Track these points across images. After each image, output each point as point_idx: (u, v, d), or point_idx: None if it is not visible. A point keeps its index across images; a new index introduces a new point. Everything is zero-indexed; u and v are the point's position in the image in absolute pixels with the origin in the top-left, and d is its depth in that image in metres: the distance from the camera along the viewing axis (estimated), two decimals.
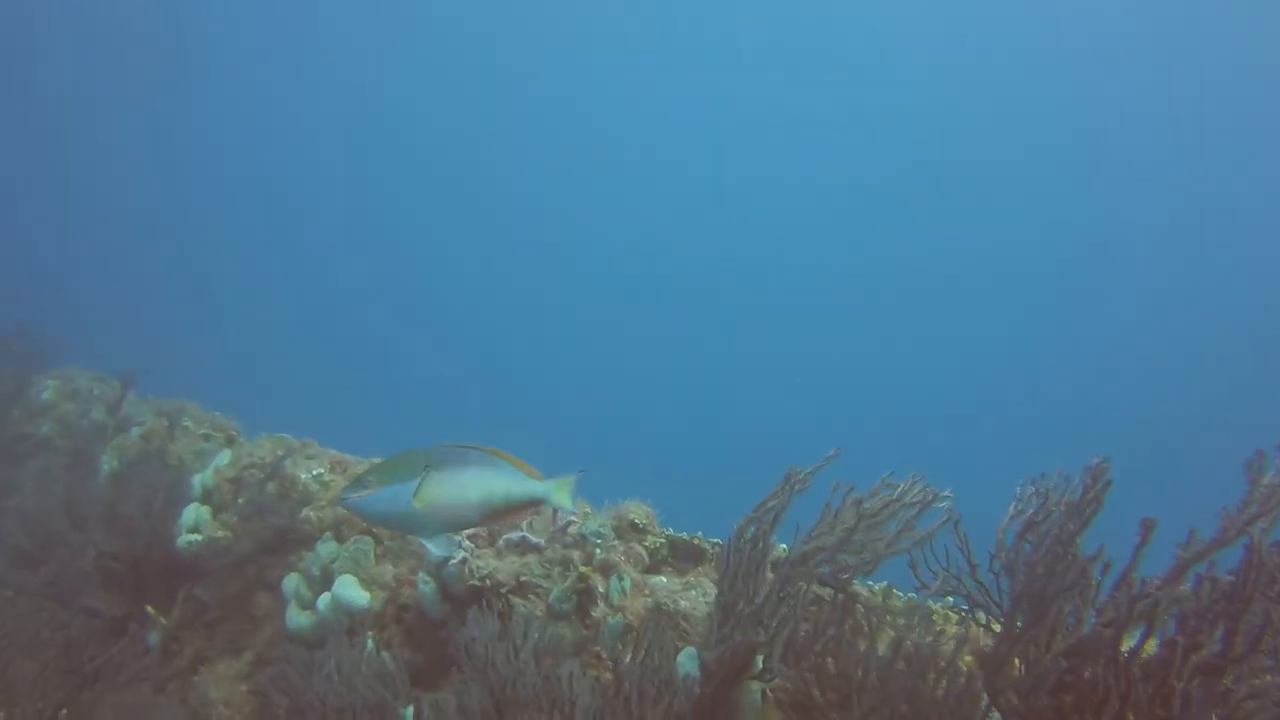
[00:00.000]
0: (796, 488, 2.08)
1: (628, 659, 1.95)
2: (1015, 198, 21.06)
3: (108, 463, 4.50)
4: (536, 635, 2.26)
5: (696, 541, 2.56)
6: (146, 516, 3.80)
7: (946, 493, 1.90)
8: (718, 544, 2.55)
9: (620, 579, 2.41)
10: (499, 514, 1.79)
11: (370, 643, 2.79)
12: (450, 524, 1.80)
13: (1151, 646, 1.38)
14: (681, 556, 2.58)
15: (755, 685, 1.94)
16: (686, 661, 2.07)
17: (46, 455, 5.53)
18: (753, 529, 2.08)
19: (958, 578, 1.75)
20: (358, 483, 1.78)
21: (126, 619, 3.67)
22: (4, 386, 5.94)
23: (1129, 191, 20.12)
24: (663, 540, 2.60)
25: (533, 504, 1.79)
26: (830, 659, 1.78)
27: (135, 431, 4.89)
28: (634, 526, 2.61)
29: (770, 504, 2.09)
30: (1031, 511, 1.63)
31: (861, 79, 22.06)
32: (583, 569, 2.44)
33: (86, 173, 23.12)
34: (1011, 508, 1.71)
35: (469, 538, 2.63)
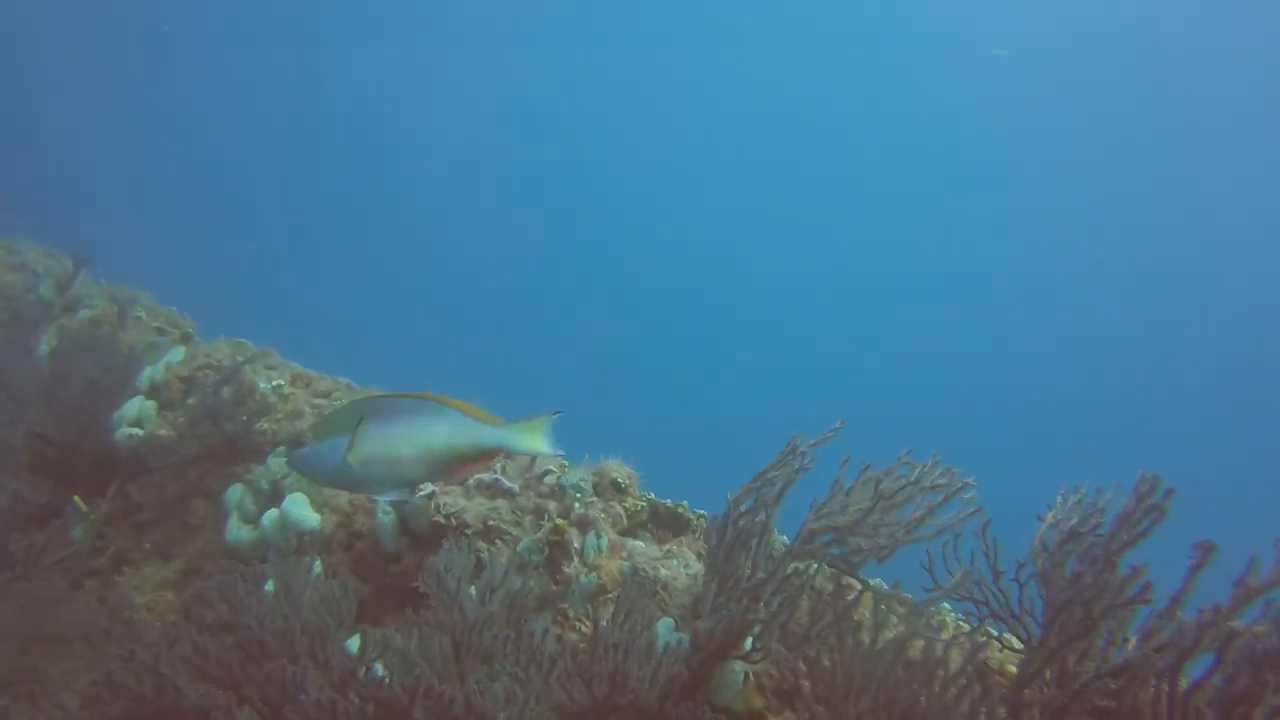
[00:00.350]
0: (800, 461, 1.96)
1: (605, 619, 1.82)
2: (1036, 195, 21.19)
3: (47, 342, 4.23)
4: (511, 582, 2.11)
5: (681, 510, 2.43)
6: (86, 401, 3.57)
7: (969, 480, 1.78)
8: (702, 515, 2.42)
9: (598, 536, 2.27)
10: (448, 466, 1.56)
11: (318, 567, 2.62)
12: (392, 481, 1.58)
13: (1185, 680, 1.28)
14: (662, 523, 2.45)
15: (739, 665, 1.82)
16: (664, 632, 1.94)
17: None
18: (750, 500, 1.96)
19: (978, 582, 1.64)
20: (299, 439, 1.57)
21: (48, 507, 3.44)
22: None
23: (1158, 190, 20.24)
24: (644, 504, 2.47)
25: (487, 453, 1.57)
26: (827, 650, 1.66)
27: (83, 314, 4.61)
28: (615, 486, 2.47)
29: (771, 474, 1.96)
30: (1075, 520, 1.52)
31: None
32: (559, 521, 2.29)
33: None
34: (1050, 515, 1.60)
35: None
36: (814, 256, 22.59)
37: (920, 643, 1.62)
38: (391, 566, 2.53)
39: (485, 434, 1.55)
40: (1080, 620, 1.31)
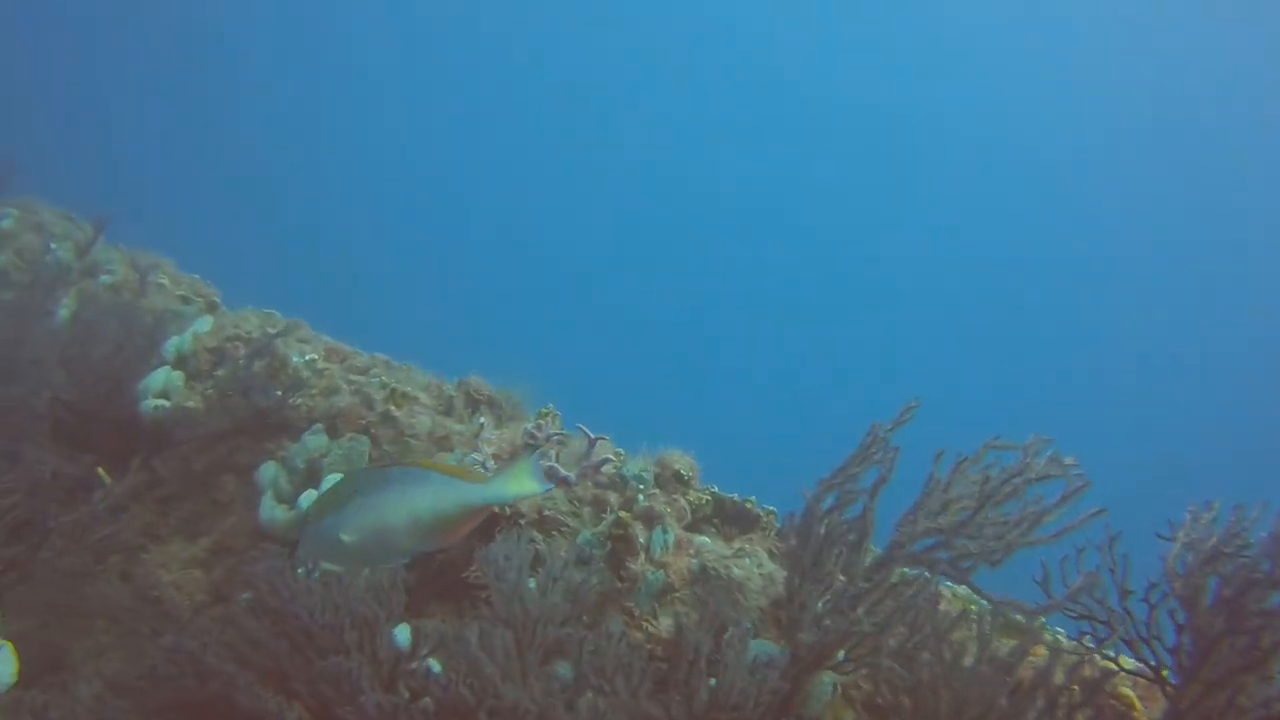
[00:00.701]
0: (880, 452, 1.84)
1: (689, 624, 1.71)
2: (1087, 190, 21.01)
3: (66, 306, 4.10)
4: (571, 576, 2.00)
5: (748, 505, 2.32)
6: (110, 368, 3.45)
7: (1077, 470, 1.66)
8: (772, 512, 2.30)
9: (665, 531, 2.16)
10: (439, 531, 1.53)
11: None
12: (388, 553, 1.56)
13: None
14: (728, 519, 2.33)
15: (829, 676, 1.71)
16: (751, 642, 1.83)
17: (1, 288, 5.09)
18: (832, 496, 1.84)
19: (1101, 600, 1.53)
20: (302, 518, 1.58)
21: (72, 478, 3.32)
22: None
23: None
24: (708, 497, 2.35)
25: (476, 512, 1.53)
26: (927, 666, 1.55)
27: (104, 279, 4.48)
28: (678, 478, 2.36)
29: (853, 468, 1.84)
30: (1215, 541, 1.41)
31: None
32: (622, 514, 2.17)
33: None
34: (1181, 533, 1.48)
35: (497, 456, 2.35)
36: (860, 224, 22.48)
37: (1031, 663, 1.52)
38: (437, 555, 2.41)
39: (469, 493, 1.52)
40: (1244, 652, 1.21)
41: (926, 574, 1.61)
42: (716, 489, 2.39)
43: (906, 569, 1.66)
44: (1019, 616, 1.66)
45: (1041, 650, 1.65)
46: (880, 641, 1.61)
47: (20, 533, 2.16)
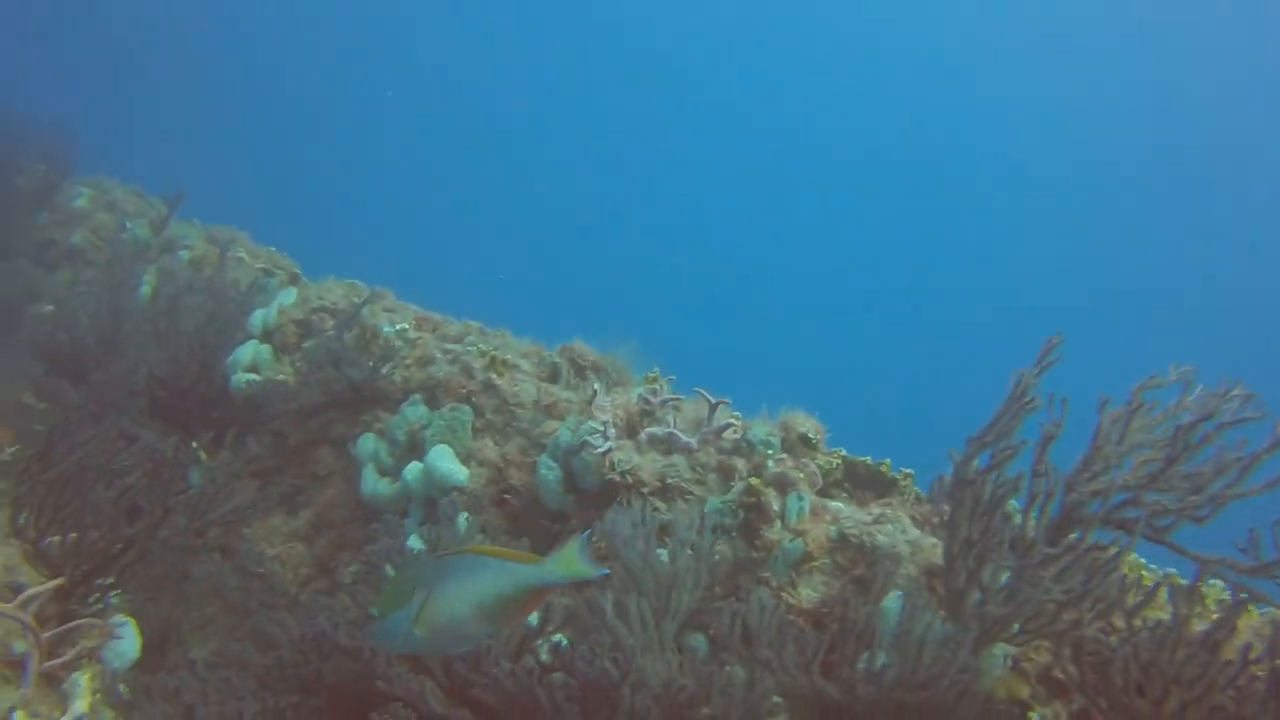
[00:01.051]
0: (1027, 403, 1.70)
1: (862, 597, 1.60)
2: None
3: (149, 283, 4.08)
4: (701, 545, 1.90)
5: (883, 469, 2.20)
6: (200, 344, 3.42)
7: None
8: (909, 475, 2.18)
9: (799, 498, 2.04)
10: (503, 615, 1.52)
11: (463, 523, 2.44)
12: (458, 640, 1.56)
13: None
14: (861, 483, 2.21)
15: (1000, 648, 1.59)
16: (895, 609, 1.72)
17: (77, 266, 5.11)
18: (984, 456, 1.71)
19: None
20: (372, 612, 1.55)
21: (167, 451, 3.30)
22: (32, 185, 5.47)
23: None
24: (838, 461, 2.24)
25: (535, 593, 1.51)
26: (1137, 645, 1.41)
27: (182, 254, 4.47)
28: (804, 441, 2.24)
29: (1005, 422, 1.71)
30: None
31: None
32: (752, 480, 2.07)
33: None
34: None
35: (613, 423, 2.25)
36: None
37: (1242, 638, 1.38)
38: (554, 526, 2.33)
39: (526, 575, 1.51)
40: None
41: (1114, 536, 1.48)
42: (845, 452, 2.27)
43: (1085, 533, 1.53)
44: (1224, 582, 1.52)
45: (1250, 618, 1.51)
46: (1070, 611, 1.48)
47: (139, 511, 2.11)
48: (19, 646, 1.96)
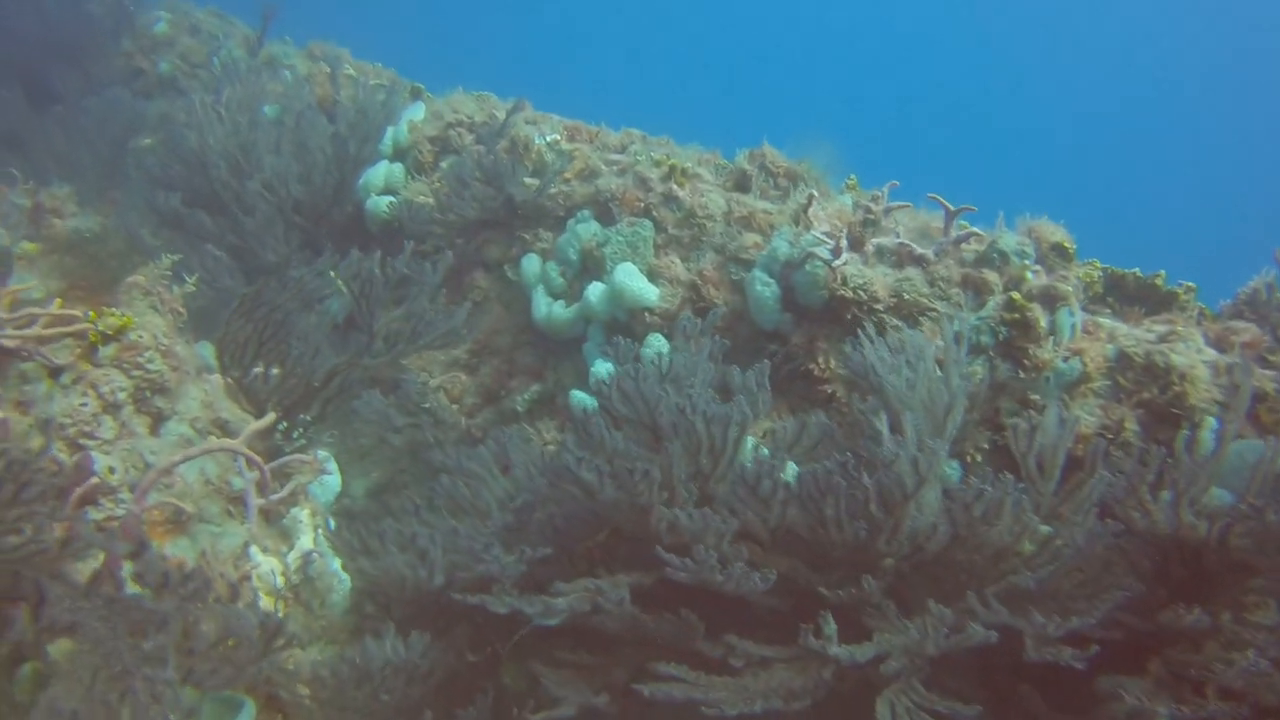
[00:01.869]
0: None
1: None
2: None
3: (269, 109, 3.79)
4: (963, 364, 1.70)
5: (1156, 282, 1.94)
6: (338, 163, 3.20)
7: None
8: (1191, 288, 1.92)
9: (1071, 313, 1.81)
10: None
11: (662, 343, 2.26)
12: None
13: None
14: (1128, 297, 1.97)
15: None
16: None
17: (170, 95, 4.86)
18: None
19: None
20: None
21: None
22: (106, 10, 5.15)
23: None
24: (1097, 273, 1.99)
25: None
26: None
27: (286, 74, 4.17)
28: (1058, 250, 1.99)
29: None
30: None
31: None
32: (1014, 295, 1.83)
33: None
34: None
35: (830, 233, 2.01)
36: None
37: None
38: (770, 346, 2.14)
39: None
40: None
41: None
42: (1099, 263, 2.01)
43: None
44: None
45: None
46: None
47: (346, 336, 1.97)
48: (237, 482, 1.87)
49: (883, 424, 1.58)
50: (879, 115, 18.18)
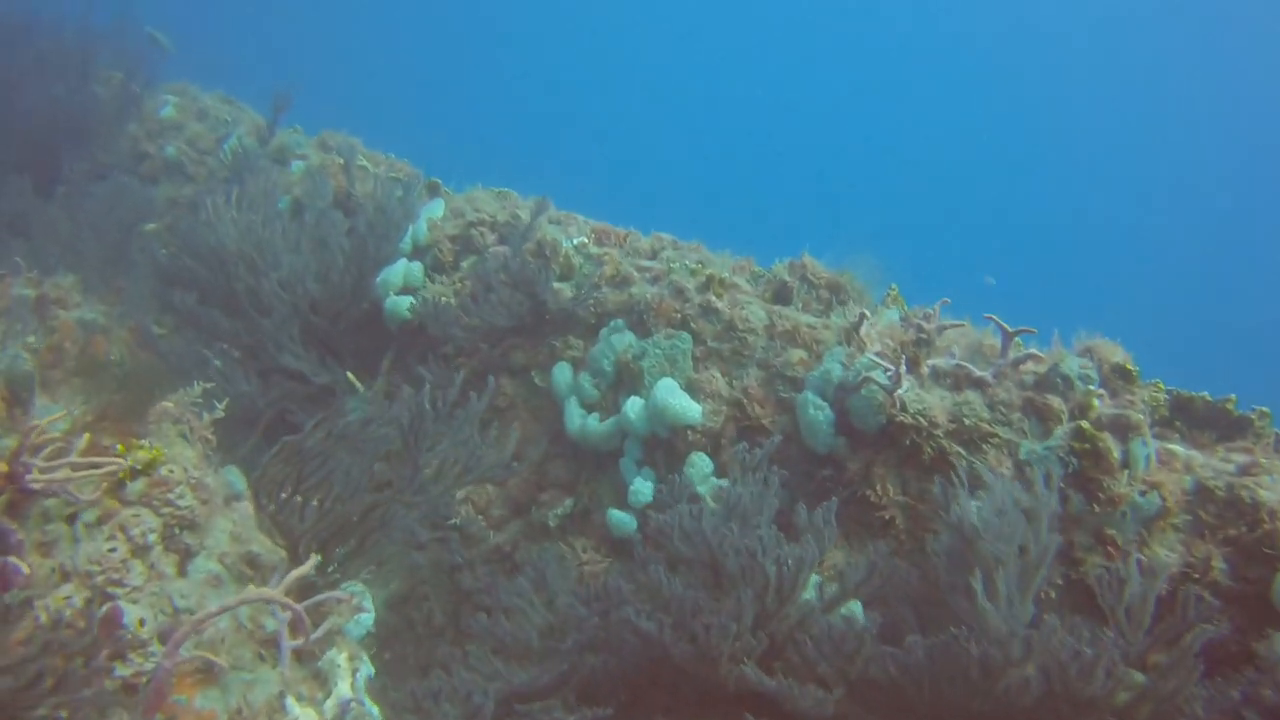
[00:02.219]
0: None
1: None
2: None
3: (283, 201, 3.75)
4: (1023, 500, 1.63)
5: (1228, 407, 1.88)
6: (358, 262, 3.13)
7: None
8: (1266, 413, 1.86)
9: (1144, 444, 1.75)
10: None
11: (707, 464, 2.18)
12: None
13: None
14: (1197, 422, 1.91)
15: None
16: None
17: (176, 180, 4.83)
18: None
19: None
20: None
21: (325, 385, 3.07)
22: (112, 94, 5.13)
23: None
24: (1163, 396, 1.93)
25: None
26: None
27: (296, 165, 4.14)
28: (1120, 372, 1.94)
29: None
30: None
31: None
32: (1083, 424, 1.77)
33: None
34: None
35: (886, 355, 1.96)
36: None
37: None
38: (822, 471, 2.06)
39: None
40: None
41: None
42: (1163, 384, 1.96)
43: None
44: None
45: None
46: None
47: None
48: (270, 624, 1.76)
49: (978, 583, 1.50)
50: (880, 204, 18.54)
